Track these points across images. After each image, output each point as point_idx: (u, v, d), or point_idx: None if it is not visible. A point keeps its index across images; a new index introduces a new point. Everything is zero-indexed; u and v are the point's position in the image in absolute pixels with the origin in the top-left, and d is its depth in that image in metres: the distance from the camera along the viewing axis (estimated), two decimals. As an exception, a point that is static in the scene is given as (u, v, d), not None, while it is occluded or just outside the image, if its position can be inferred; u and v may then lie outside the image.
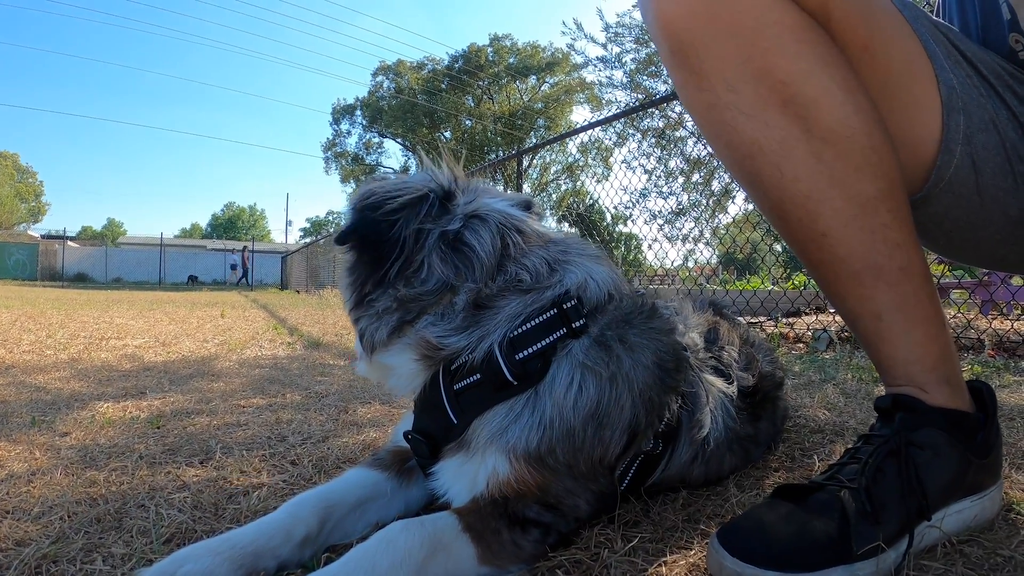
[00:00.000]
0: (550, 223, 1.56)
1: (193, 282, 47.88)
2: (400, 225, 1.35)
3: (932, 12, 1.70)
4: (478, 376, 1.31)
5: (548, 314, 1.31)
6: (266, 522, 1.24)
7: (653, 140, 10.59)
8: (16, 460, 1.95)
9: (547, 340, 1.30)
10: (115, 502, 1.58)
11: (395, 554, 1.08)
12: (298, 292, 26.20)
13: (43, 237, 53.24)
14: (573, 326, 1.31)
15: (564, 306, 1.32)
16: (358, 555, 1.08)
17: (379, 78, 46.95)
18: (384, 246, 1.35)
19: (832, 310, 7.26)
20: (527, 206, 1.53)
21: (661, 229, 9.98)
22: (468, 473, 1.30)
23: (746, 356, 1.78)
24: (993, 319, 5.11)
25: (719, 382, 1.60)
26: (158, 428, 2.39)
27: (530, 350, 1.29)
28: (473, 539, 1.17)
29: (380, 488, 1.45)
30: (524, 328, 1.30)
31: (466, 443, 1.31)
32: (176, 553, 1.14)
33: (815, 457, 1.91)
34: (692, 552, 1.30)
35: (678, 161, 10.55)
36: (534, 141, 38.30)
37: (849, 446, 1.37)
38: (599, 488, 1.35)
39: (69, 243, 52.02)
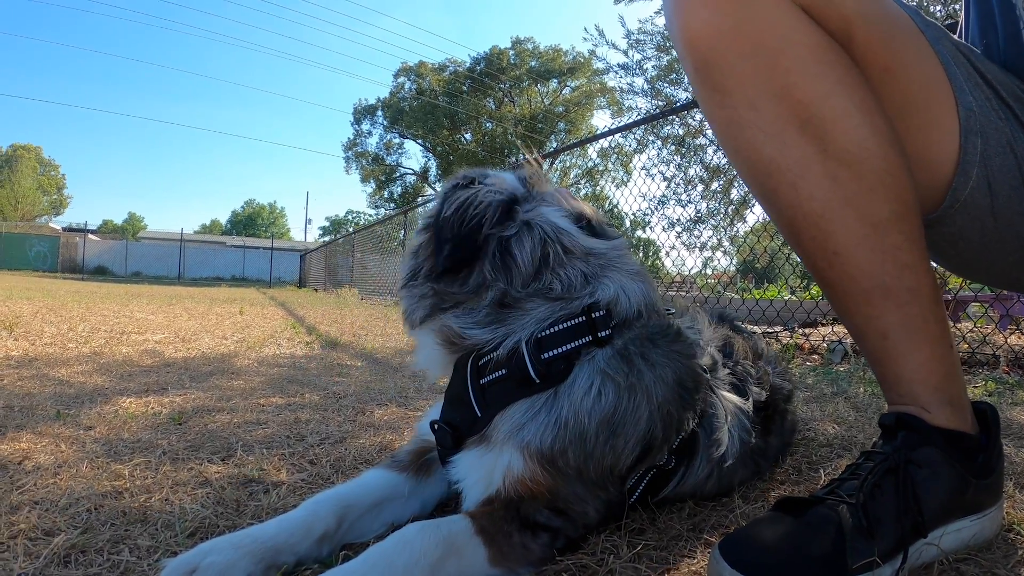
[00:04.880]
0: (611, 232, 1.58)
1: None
2: (484, 241, 1.43)
3: (955, 33, 1.72)
4: (504, 372, 1.35)
5: (576, 320, 1.35)
6: (286, 519, 1.29)
7: (673, 147, 10.59)
8: (42, 452, 1.99)
9: (573, 344, 1.33)
10: (140, 496, 1.62)
11: (411, 554, 1.12)
12: (316, 291, 26.27)
13: (64, 230, 53.60)
14: (599, 335, 1.35)
15: (592, 315, 1.35)
16: (375, 554, 1.12)
17: (401, 79, 47.07)
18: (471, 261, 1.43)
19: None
20: (580, 218, 1.54)
21: (679, 237, 9.95)
22: (485, 465, 1.34)
23: (758, 370, 1.81)
24: (1010, 334, 5.08)
25: (736, 399, 1.62)
26: (180, 424, 2.43)
27: (556, 351, 1.33)
28: (485, 541, 1.21)
29: (397, 489, 1.49)
30: (552, 330, 1.35)
31: (487, 437, 1.35)
32: (200, 546, 1.18)
33: (821, 471, 1.92)
34: (695, 561, 1.33)
35: (697, 169, 10.55)
36: (555, 145, 38.19)
37: (852, 461, 1.40)
38: (608, 496, 1.38)
39: (90, 236, 52.15)
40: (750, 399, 1.67)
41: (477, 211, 1.43)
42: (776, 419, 1.87)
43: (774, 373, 1.90)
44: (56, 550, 1.29)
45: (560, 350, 1.33)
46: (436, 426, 1.47)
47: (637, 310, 1.43)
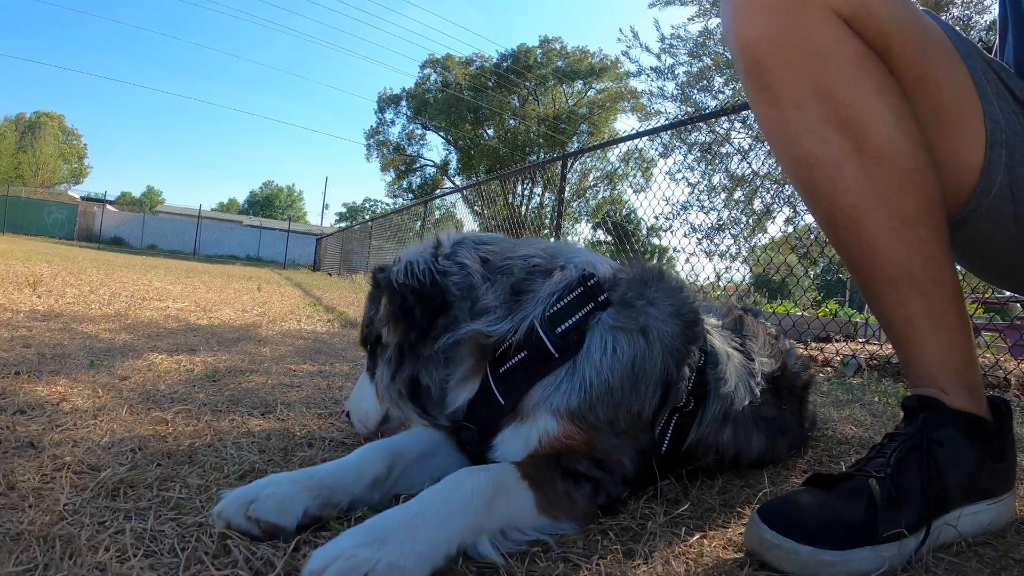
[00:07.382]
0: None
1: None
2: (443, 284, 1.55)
3: (990, 51, 1.78)
4: (525, 353, 1.42)
5: (577, 292, 1.45)
6: (340, 462, 1.35)
7: (698, 154, 10.64)
8: (79, 396, 2.03)
9: (580, 314, 1.43)
10: (185, 440, 1.67)
11: (464, 492, 1.18)
12: (330, 275, 26.36)
13: (83, 199, 53.58)
14: (599, 299, 1.45)
15: (588, 283, 1.46)
16: (431, 494, 1.17)
17: (427, 70, 46.94)
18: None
19: (862, 338, 7.28)
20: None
21: (700, 243, 10.01)
22: (521, 435, 1.41)
23: (770, 346, 1.91)
24: (1022, 360, 5.11)
25: (736, 355, 1.72)
26: (215, 381, 2.49)
27: (567, 324, 1.42)
28: (531, 486, 1.27)
29: (441, 446, 1.55)
30: (559, 305, 1.44)
31: (518, 413, 1.42)
32: (259, 480, 1.24)
33: (842, 464, 1.99)
34: (729, 530, 1.40)
35: (721, 177, 10.60)
36: (576, 145, 38.12)
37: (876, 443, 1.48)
38: (640, 445, 1.46)
39: (108, 207, 52.08)
40: (755, 361, 1.77)
41: (420, 268, 1.56)
42: (792, 400, 1.97)
43: (791, 359, 2.01)
44: (104, 484, 1.33)
45: (570, 321, 1.42)
46: (462, 430, 1.52)
47: (611, 271, 1.55)
